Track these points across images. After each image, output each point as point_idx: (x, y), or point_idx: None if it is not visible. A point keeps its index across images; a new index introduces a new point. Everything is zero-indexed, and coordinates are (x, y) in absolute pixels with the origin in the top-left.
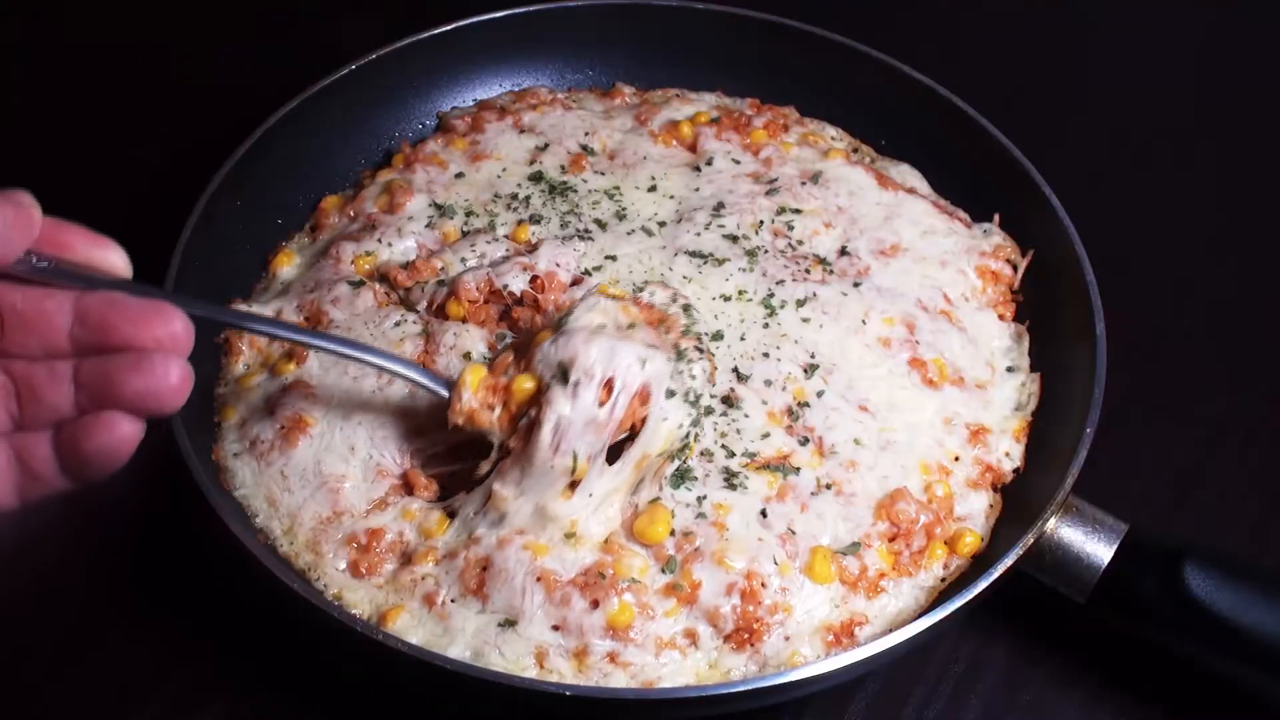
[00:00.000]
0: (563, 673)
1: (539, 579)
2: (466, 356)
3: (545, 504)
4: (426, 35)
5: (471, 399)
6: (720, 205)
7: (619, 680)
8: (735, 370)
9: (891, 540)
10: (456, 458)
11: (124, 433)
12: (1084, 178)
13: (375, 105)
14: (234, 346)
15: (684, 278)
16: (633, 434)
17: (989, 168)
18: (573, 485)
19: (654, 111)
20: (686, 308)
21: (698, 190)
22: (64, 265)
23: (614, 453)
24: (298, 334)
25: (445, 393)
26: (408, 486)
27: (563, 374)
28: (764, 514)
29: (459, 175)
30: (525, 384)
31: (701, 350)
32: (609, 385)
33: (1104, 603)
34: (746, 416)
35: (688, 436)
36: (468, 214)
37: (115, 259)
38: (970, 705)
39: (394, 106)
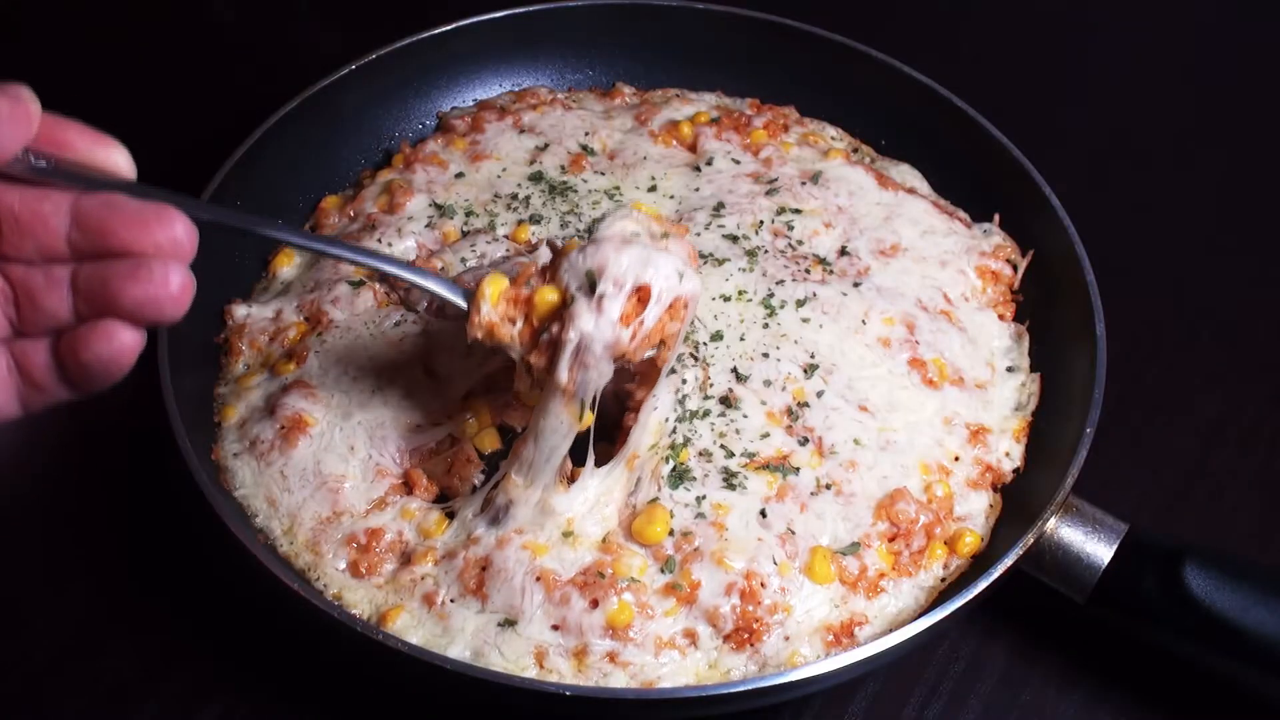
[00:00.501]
0: (562, 672)
1: (538, 578)
2: (470, 350)
3: (547, 497)
4: (426, 35)
5: (491, 311)
6: (720, 205)
7: (618, 680)
8: (734, 370)
9: (891, 540)
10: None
11: (123, 342)
12: (1084, 178)
13: (375, 105)
14: (234, 346)
15: None
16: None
17: (989, 168)
18: (570, 480)
19: (654, 111)
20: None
21: (698, 190)
22: (64, 165)
23: (605, 456)
24: (305, 239)
25: (464, 304)
26: (407, 486)
27: (590, 285)
28: (763, 514)
29: (459, 175)
30: (549, 296)
31: (696, 358)
32: (641, 297)
33: (1104, 603)
34: (745, 417)
35: (674, 433)
36: (468, 214)
37: (118, 159)
38: (970, 705)
39: (394, 106)
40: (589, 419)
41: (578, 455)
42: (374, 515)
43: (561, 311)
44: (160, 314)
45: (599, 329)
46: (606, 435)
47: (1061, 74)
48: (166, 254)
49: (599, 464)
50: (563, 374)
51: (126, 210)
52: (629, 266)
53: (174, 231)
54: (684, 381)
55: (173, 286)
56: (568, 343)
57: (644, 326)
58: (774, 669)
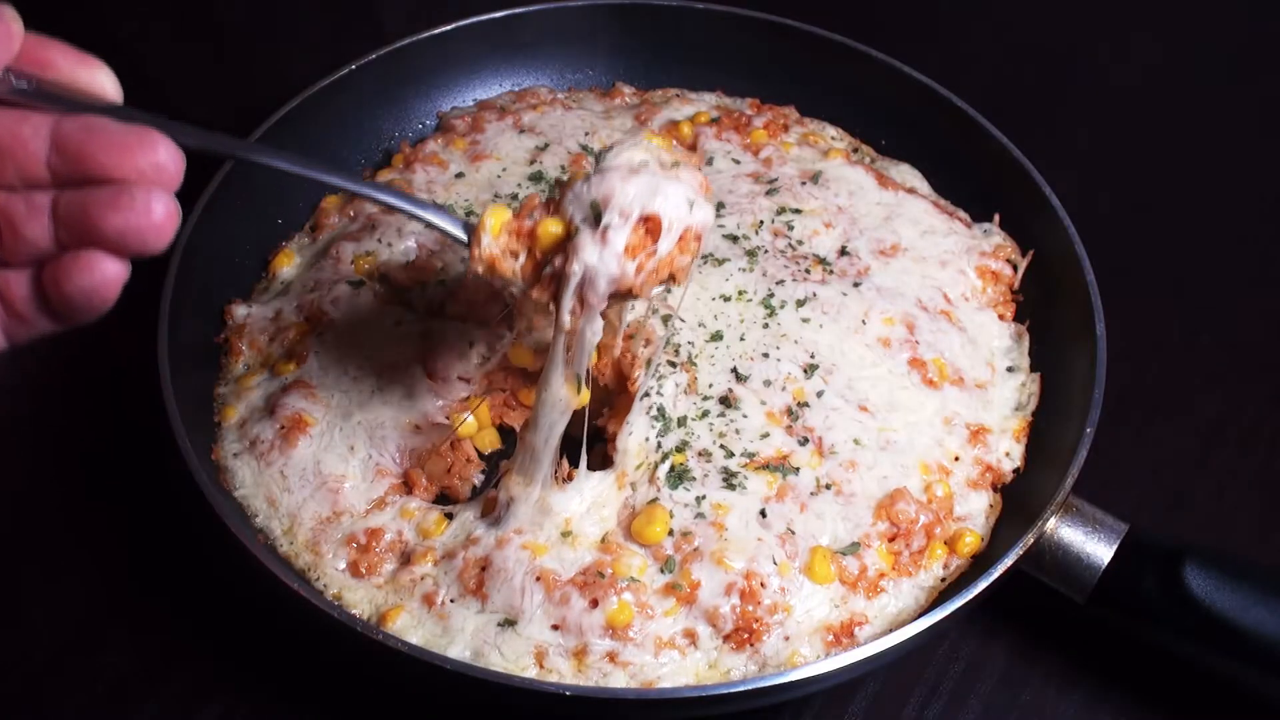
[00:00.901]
0: (562, 672)
1: (538, 578)
2: (470, 350)
3: (545, 495)
4: (426, 35)
5: (493, 244)
6: (720, 205)
7: (618, 680)
8: (734, 370)
9: (891, 540)
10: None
11: (106, 274)
12: (1084, 178)
13: (375, 105)
14: (234, 346)
15: None
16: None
17: (989, 168)
18: (567, 480)
19: (654, 111)
20: (666, 319)
21: None
22: (46, 87)
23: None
24: (289, 163)
25: (464, 236)
26: (407, 486)
27: (595, 216)
28: (763, 514)
29: (459, 175)
30: (552, 228)
31: (675, 363)
32: (649, 228)
33: (1104, 603)
34: (745, 417)
35: (659, 449)
36: (468, 214)
37: (104, 80)
38: (970, 705)
39: (394, 106)
40: (585, 395)
41: (575, 460)
42: (374, 515)
43: (565, 244)
44: (143, 244)
45: (603, 261)
46: (602, 437)
47: (1061, 74)
48: (149, 181)
49: (598, 466)
50: (565, 311)
51: (108, 134)
52: (636, 196)
53: (157, 156)
54: (660, 394)
55: (155, 215)
56: (571, 276)
57: (653, 259)
58: (774, 669)
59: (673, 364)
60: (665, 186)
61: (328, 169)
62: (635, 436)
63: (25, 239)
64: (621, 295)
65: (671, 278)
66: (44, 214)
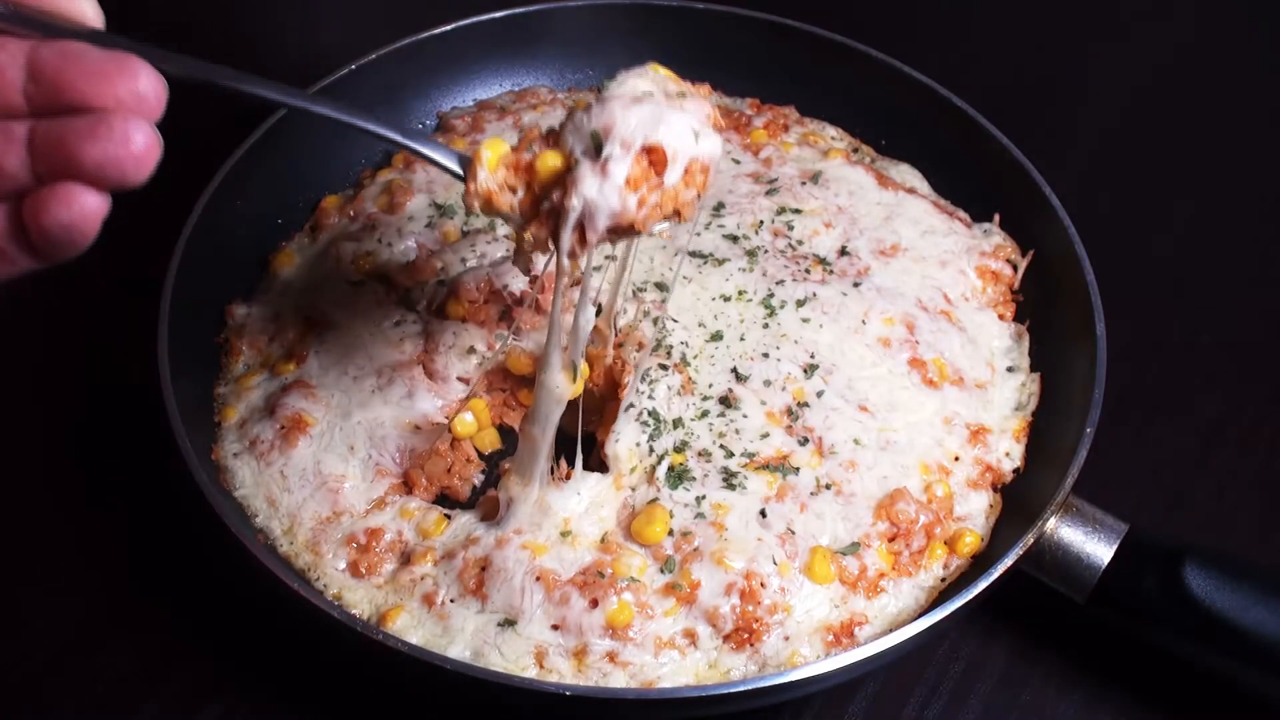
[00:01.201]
0: (562, 672)
1: (538, 578)
2: (470, 350)
3: (544, 495)
4: (426, 35)
5: (489, 178)
6: (720, 205)
7: (618, 680)
8: (734, 370)
9: (891, 540)
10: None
11: (85, 207)
12: (1084, 178)
13: (375, 105)
14: (234, 346)
15: (684, 278)
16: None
17: (989, 168)
18: (565, 479)
19: None
20: (656, 320)
21: None
22: (25, 11)
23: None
24: (283, 94)
25: (460, 170)
26: (407, 486)
27: (595, 147)
28: (763, 514)
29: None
30: (551, 161)
31: (666, 366)
32: (653, 160)
33: (1104, 603)
34: (745, 417)
35: (651, 453)
36: (468, 213)
37: (85, 6)
38: (970, 705)
39: (394, 106)
40: (581, 383)
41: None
42: (373, 515)
43: (565, 177)
44: (123, 176)
45: (604, 195)
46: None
47: (1061, 74)
48: (129, 109)
49: (596, 470)
50: (564, 250)
51: (86, 60)
52: (638, 126)
53: (137, 84)
54: (651, 398)
55: (135, 145)
56: (570, 210)
57: (656, 192)
58: (774, 669)
59: (664, 366)
60: (669, 116)
61: (310, 98)
62: (624, 442)
63: (1, 171)
64: (622, 231)
65: (676, 214)
66: (21, 145)
